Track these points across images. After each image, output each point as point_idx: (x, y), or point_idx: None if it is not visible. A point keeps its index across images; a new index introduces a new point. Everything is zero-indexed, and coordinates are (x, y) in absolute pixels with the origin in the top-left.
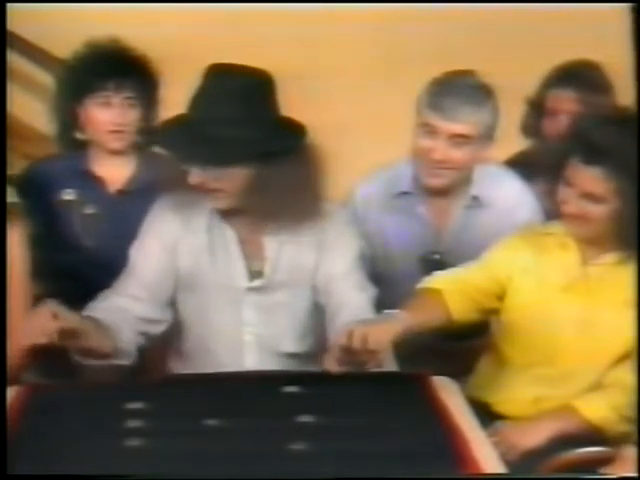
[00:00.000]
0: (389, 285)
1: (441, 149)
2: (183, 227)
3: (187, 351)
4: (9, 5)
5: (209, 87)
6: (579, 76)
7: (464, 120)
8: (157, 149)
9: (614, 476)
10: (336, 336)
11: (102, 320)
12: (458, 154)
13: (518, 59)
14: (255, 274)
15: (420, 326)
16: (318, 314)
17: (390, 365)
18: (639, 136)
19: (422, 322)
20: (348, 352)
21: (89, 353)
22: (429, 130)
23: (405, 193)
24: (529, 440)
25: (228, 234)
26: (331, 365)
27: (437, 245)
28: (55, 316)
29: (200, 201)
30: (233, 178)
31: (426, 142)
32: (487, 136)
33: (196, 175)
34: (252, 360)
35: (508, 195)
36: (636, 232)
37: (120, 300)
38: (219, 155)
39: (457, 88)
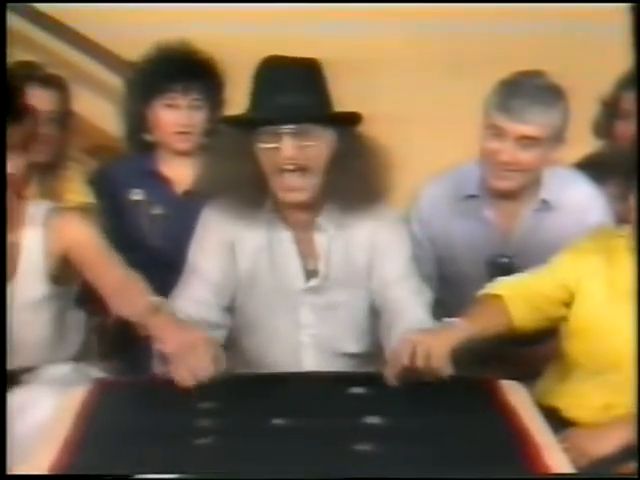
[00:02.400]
0: (455, 288)
1: (509, 151)
2: (241, 228)
3: (245, 353)
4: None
5: (266, 77)
6: None
7: (532, 121)
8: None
9: (614, 476)
10: (396, 348)
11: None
12: (526, 156)
13: (585, 58)
14: (310, 273)
15: (481, 334)
16: (376, 315)
17: (447, 369)
18: (639, 135)
19: (483, 330)
20: (410, 369)
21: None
22: (497, 132)
23: (472, 196)
24: (600, 448)
25: (284, 234)
26: (391, 380)
27: (505, 248)
28: (215, 359)
29: (260, 201)
30: (321, 146)
31: (494, 144)
32: (556, 138)
33: (288, 147)
34: (310, 361)
35: (578, 198)
36: (636, 232)
37: (188, 305)
38: (308, 117)
39: (525, 89)
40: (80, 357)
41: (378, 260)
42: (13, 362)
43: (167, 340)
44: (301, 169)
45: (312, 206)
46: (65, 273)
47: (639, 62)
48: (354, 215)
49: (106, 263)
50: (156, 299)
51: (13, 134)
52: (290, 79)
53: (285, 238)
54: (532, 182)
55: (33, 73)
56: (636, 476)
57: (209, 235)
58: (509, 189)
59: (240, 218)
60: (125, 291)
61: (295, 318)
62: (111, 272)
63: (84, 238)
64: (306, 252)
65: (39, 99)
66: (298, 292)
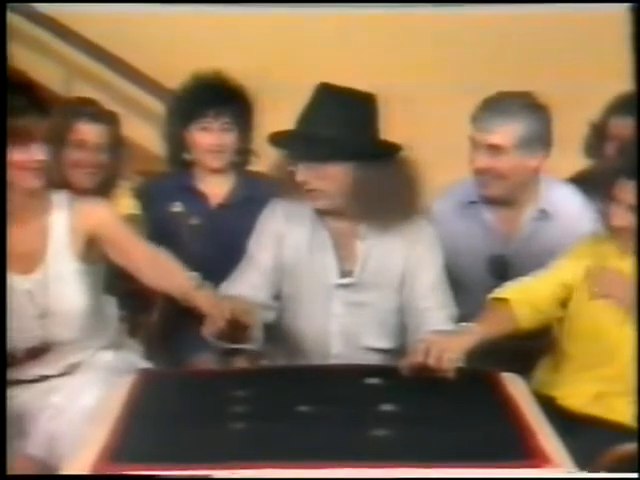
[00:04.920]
0: (458, 289)
1: (480, 159)
2: (289, 224)
3: (281, 338)
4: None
5: (318, 99)
6: None
7: (496, 131)
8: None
9: (614, 476)
10: (414, 347)
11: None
12: (496, 163)
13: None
14: (346, 273)
15: (491, 336)
16: (402, 316)
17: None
18: (639, 129)
19: (493, 333)
20: (423, 366)
21: (236, 339)
22: (472, 143)
23: (473, 202)
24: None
25: (325, 235)
26: (405, 371)
27: (504, 251)
28: (231, 309)
29: (305, 202)
30: (332, 178)
31: (471, 154)
32: (526, 146)
33: (301, 173)
34: (338, 347)
35: (572, 209)
36: (636, 232)
37: (242, 288)
38: (320, 152)
39: (494, 103)
40: (120, 344)
41: (412, 272)
42: (57, 334)
43: (214, 312)
44: (314, 191)
45: (347, 218)
46: (93, 252)
47: (639, 62)
48: (394, 228)
49: (132, 241)
50: (195, 275)
51: (39, 126)
52: (325, 109)
53: (325, 239)
54: (524, 191)
55: (86, 109)
56: (636, 476)
57: (265, 230)
58: (495, 196)
59: (291, 215)
60: (159, 265)
61: (327, 308)
62: (139, 248)
63: (108, 220)
64: (344, 254)
65: (89, 132)
66: (331, 286)
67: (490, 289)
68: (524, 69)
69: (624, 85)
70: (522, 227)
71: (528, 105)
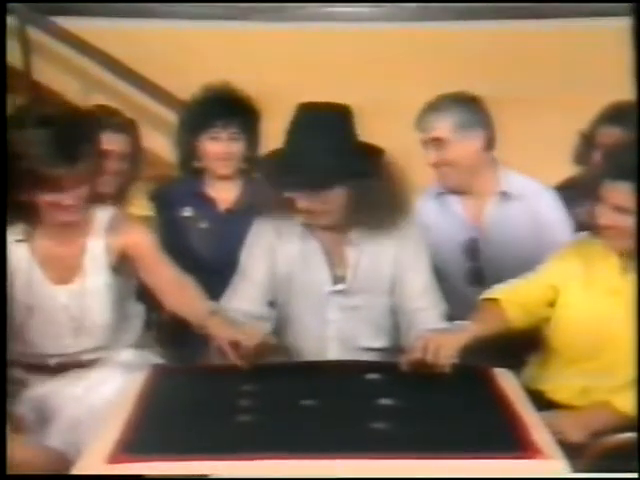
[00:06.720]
0: (439, 277)
1: (431, 155)
2: (279, 238)
3: (285, 343)
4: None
5: (300, 123)
6: (627, 115)
7: (434, 127)
8: (259, 175)
9: (614, 476)
10: (412, 344)
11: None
12: (443, 155)
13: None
14: (338, 279)
15: (484, 335)
16: (395, 316)
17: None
18: (639, 135)
19: (485, 331)
20: (421, 362)
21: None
22: (422, 144)
23: (441, 193)
24: (578, 434)
25: (314, 245)
26: (404, 367)
27: (475, 234)
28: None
29: (292, 217)
30: (333, 201)
31: (424, 153)
32: (463, 132)
33: (303, 200)
34: (334, 352)
35: (530, 188)
36: (636, 233)
37: (240, 303)
38: (314, 180)
39: (432, 104)
40: (141, 344)
41: (402, 275)
42: (84, 343)
43: (222, 337)
44: (314, 215)
45: (336, 227)
46: (124, 267)
47: (639, 63)
48: (382, 232)
49: (159, 263)
50: (211, 303)
51: (70, 175)
52: (314, 134)
53: (315, 249)
54: (480, 178)
55: (109, 120)
56: (636, 476)
57: (256, 243)
58: (453, 185)
59: (280, 229)
60: (180, 291)
61: (323, 315)
62: (165, 272)
63: (141, 242)
64: (336, 261)
65: (113, 142)
66: (326, 294)
67: (467, 276)
68: (517, 80)
69: (620, 96)
70: (488, 211)
71: (459, 100)
